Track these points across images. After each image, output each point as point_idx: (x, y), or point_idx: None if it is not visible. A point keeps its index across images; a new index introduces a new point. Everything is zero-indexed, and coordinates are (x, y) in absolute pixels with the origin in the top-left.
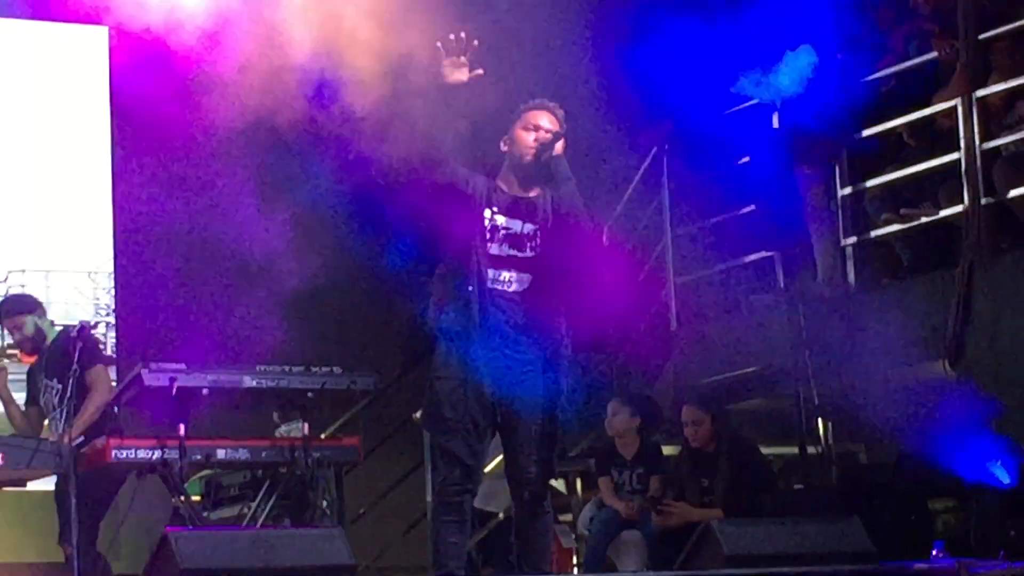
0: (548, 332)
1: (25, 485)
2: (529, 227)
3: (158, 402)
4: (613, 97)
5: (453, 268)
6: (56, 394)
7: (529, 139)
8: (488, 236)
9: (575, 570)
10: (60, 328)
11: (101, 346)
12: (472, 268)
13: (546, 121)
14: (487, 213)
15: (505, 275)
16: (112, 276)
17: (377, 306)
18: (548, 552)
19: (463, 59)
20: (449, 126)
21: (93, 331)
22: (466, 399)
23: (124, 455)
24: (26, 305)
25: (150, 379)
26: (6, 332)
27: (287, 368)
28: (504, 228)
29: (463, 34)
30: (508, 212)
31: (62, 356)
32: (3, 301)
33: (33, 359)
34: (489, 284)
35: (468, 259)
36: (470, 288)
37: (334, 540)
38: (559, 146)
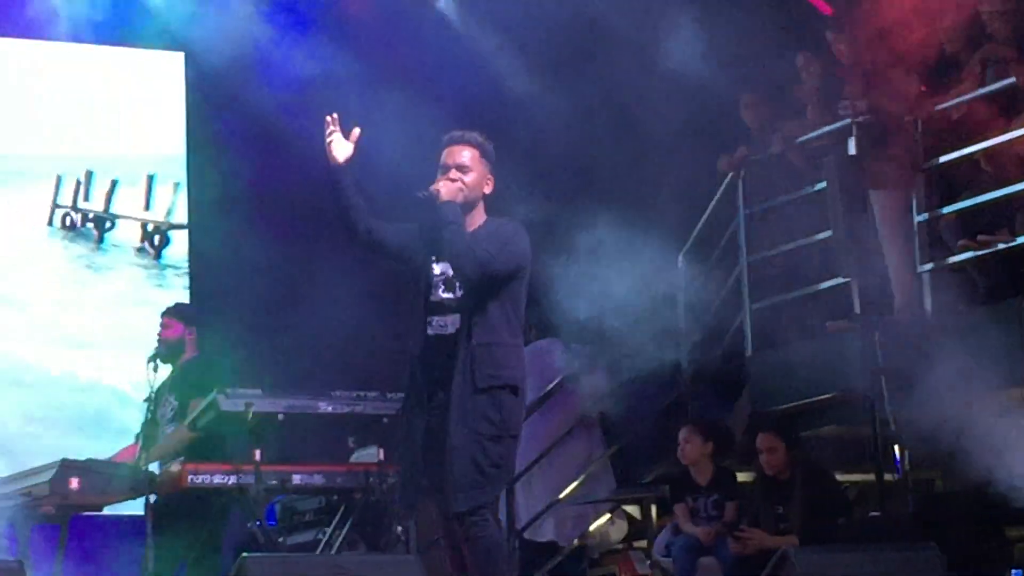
0: (474, 369)
1: (102, 509)
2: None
3: (234, 428)
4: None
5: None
6: (172, 411)
7: (439, 181)
8: (431, 284)
9: None
10: (197, 355)
11: None
12: (418, 317)
13: (461, 157)
14: (432, 261)
15: (441, 320)
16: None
17: None
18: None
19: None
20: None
21: None
22: (407, 439)
23: (200, 480)
24: (185, 314)
25: (226, 404)
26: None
27: (362, 394)
28: (442, 273)
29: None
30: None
31: (188, 378)
32: (176, 303)
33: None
34: (431, 331)
35: (416, 309)
36: (412, 343)
37: (409, 567)
38: (446, 190)
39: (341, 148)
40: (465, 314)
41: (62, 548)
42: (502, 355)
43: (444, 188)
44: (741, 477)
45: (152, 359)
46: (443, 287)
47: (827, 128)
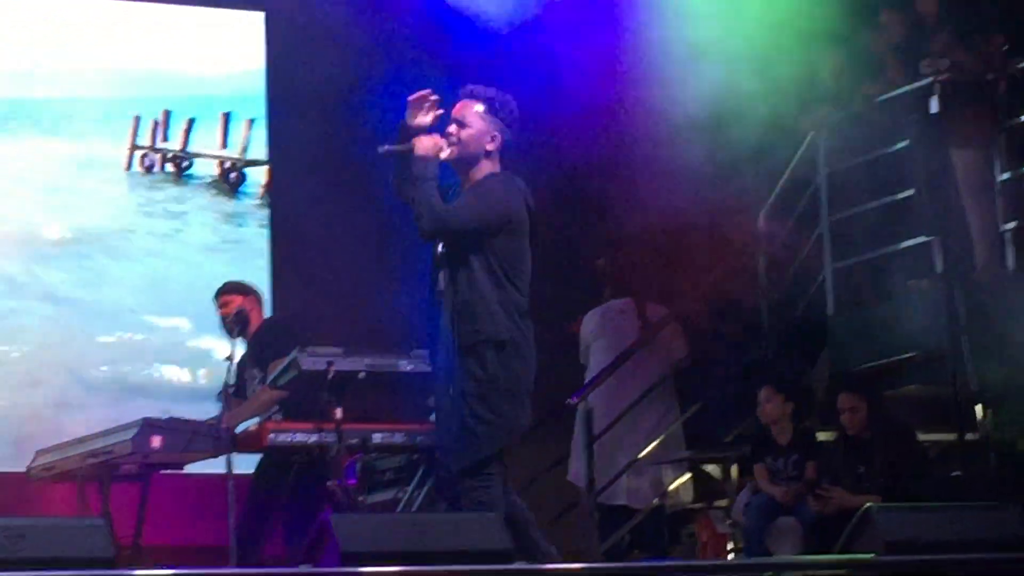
0: (456, 328)
1: (183, 468)
2: None
3: (314, 386)
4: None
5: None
6: (259, 383)
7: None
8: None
9: (730, 556)
10: (265, 319)
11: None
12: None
13: (462, 112)
14: None
15: (441, 276)
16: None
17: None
18: None
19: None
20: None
21: None
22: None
23: (281, 439)
24: (239, 288)
25: (307, 363)
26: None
27: None
28: None
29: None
30: None
31: (262, 345)
32: (224, 282)
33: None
34: (439, 287)
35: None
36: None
37: (492, 524)
38: (420, 145)
39: (416, 115)
40: (450, 270)
41: (144, 506)
42: (484, 311)
43: (419, 144)
44: (821, 437)
45: (229, 333)
46: (441, 244)
47: (909, 87)
